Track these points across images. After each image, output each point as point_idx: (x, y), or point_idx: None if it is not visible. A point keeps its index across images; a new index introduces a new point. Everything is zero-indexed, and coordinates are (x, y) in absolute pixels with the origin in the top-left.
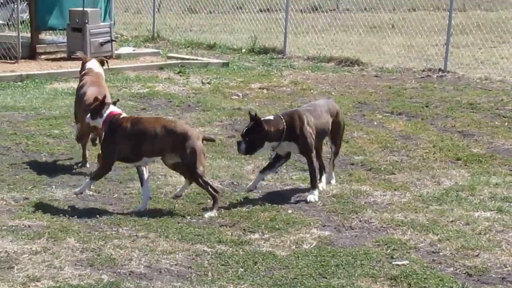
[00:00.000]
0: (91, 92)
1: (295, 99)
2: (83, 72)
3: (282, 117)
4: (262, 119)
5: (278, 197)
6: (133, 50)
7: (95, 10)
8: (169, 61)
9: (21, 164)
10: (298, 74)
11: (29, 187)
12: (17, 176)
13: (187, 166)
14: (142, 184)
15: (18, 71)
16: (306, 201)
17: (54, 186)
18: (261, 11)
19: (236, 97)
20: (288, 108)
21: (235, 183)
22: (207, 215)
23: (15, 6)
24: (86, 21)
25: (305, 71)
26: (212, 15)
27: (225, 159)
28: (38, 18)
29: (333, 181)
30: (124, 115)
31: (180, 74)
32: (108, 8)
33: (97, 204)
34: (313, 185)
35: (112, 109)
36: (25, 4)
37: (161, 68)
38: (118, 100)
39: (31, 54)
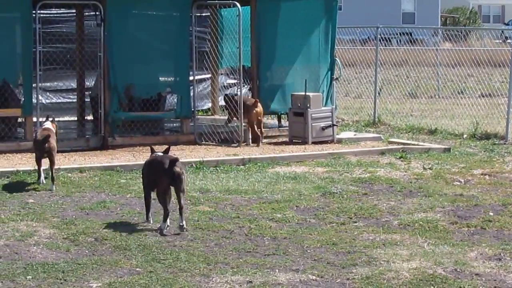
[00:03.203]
0: None
1: None
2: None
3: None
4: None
5: (501, 285)
6: (354, 135)
7: (317, 94)
8: (390, 146)
9: (244, 248)
10: None
11: (252, 271)
12: (240, 260)
13: None
14: None
15: (240, 154)
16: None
17: (277, 270)
18: (482, 96)
19: (458, 183)
20: (510, 194)
21: (458, 270)
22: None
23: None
24: (308, 105)
25: None
26: (432, 100)
27: (447, 245)
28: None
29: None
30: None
31: (402, 159)
32: (330, 93)
33: None
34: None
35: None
36: (247, 89)
37: (382, 153)
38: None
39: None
